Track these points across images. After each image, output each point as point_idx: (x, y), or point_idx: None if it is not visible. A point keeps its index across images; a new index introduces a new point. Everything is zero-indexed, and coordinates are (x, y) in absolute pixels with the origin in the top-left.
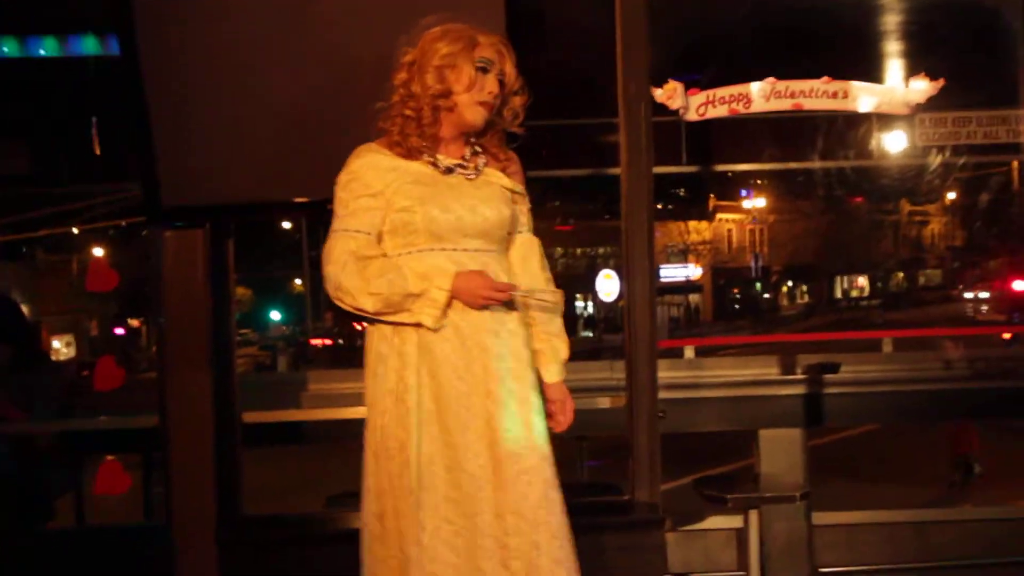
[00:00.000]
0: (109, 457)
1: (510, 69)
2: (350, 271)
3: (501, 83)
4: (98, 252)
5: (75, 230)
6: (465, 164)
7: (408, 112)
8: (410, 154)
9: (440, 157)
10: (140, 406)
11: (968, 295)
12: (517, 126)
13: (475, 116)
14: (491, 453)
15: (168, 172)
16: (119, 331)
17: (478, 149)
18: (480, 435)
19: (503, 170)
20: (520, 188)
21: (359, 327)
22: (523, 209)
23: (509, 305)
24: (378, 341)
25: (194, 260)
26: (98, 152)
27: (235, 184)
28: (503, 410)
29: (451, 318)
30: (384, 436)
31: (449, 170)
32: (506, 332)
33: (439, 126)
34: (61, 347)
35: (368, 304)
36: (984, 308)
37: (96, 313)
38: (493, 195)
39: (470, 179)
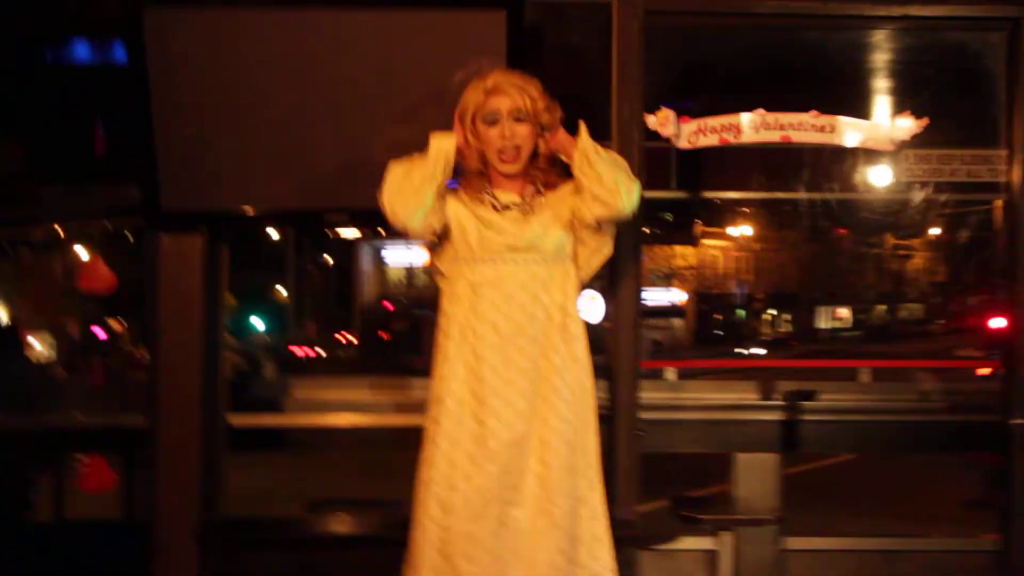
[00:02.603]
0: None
1: (526, 102)
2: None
3: (521, 119)
4: (83, 253)
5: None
6: (521, 202)
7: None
8: (473, 193)
9: (498, 193)
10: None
11: (947, 330)
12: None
13: (498, 165)
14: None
15: (168, 177)
16: (100, 333)
17: (540, 189)
18: (511, 428)
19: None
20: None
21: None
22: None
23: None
24: (438, 334)
25: (190, 264)
26: (100, 153)
27: (233, 191)
28: (532, 409)
29: (490, 318)
30: (432, 419)
31: (506, 207)
32: (546, 335)
33: (486, 169)
34: (41, 347)
35: (392, 187)
36: (962, 343)
37: (77, 314)
38: (545, 220)
39: (524, 213)
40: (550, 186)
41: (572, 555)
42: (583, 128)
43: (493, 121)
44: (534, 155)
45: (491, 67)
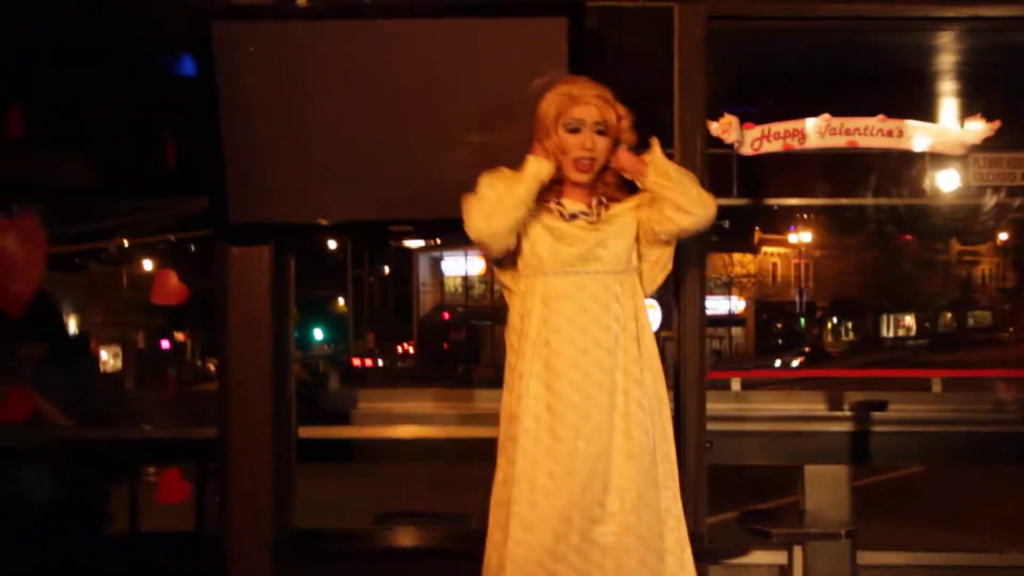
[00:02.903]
0: (167, 467)
1: (612, 116)
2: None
3: (603, 132)
4: (147, 265)
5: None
6: (588, 212)
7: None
8: (539, 201)
9: (565, 202)
10: (188, 417)
11: (1017, 337)
12: (631, 137)
13: (573, 175)
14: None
15: (237, 189)
16: (165, 344)
17: (603, 200)
18: (590, 444)
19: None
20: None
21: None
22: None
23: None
24: (509, 352)
25: (259, 276)
26: (170, 167)
27: (301, 203)
28: (611, 422)
29: (567, 333)
30: (509, 438)
31: (573, 216)
32: (621, 346)
33: (563, 180)
34: (109, 358)
35: (482, 208)
36: None
37: (143, 326)
38: (614, 231)
39: (592, 223)
40: (613, 199)
41: (658, 568)
42: (656, 144)
43: (575, 129)
44: (603, 168)
45: (565, 75)
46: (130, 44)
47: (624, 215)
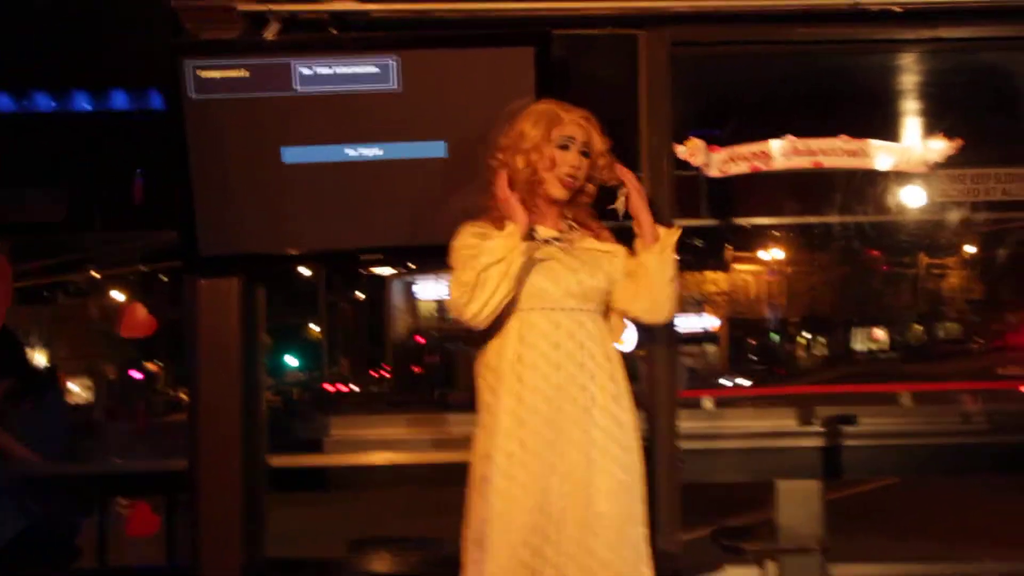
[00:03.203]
0: (137, 500)
1: (595, 139)
2: (454, 291)
3: (586, 154)
4: (117, 295)
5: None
6: (561, 237)
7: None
8: (499, 224)
9: (539, 229)
10: (158, 449)
11: (986, 349)
12: (610, 178)
13: (556, 190)
14: (574, 499)
15: (206, 222)
16: (137, 375)
17: (573, 224)
18: (565, 481)
19: (596, 238)
20: (615, 248)
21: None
22: (617, 266)
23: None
24: (483, 391)
25: (228, 307)
26: (139, 202)
27: (270, 234)
28: (587, 459)
29: (542, 369)
30: (480, 477)
31: (547, 242)
32: (598, 383)
33: (534, 200)
34: (79, 390)
35: (465, 294)
36: (1002, 362)
37: (114, 357)
38: (590, 260)
39: (565, 250)
40: (584, 225)
41: None
42: (678, 232)
43: (564, 146)
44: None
45: (538, 100)
46: (98, 77)
47: (599, 256)
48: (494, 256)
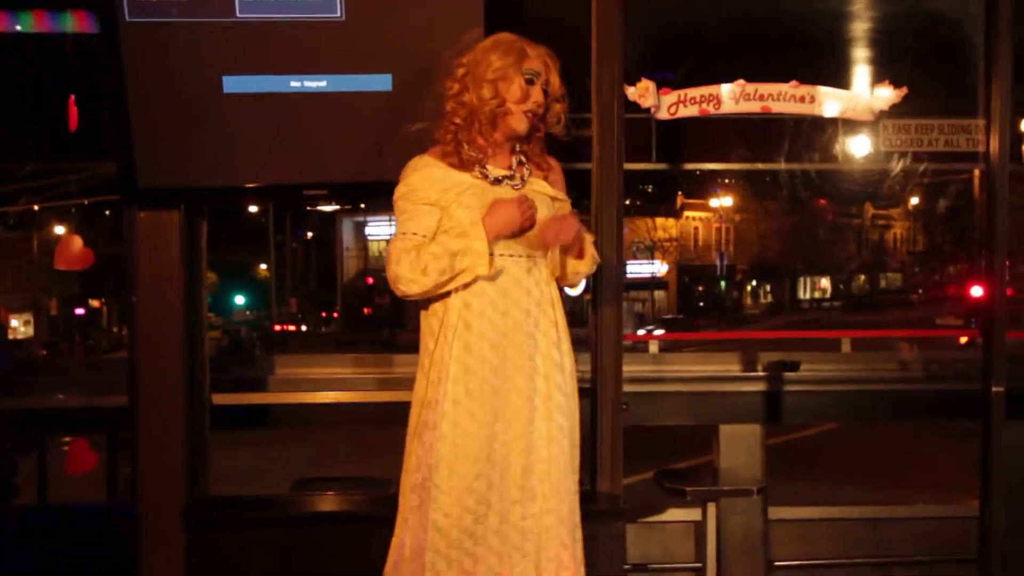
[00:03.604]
0: (76, 437)
1: (555, 79)
2: (405, 262)
3: (546, 92)
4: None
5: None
6: (512, 175)
7: (459, 121)
8: (462, 165)
9: (489, 167)
10: (99, 386)
11: (927, 299)
12: (560, 129)
13: (521, 124)
14: (518, 446)
15: (144, 153)
16: (79, 311)
17: (523, 159)
18: (508, 428)
19: (545, 178)
20: (562, 195)
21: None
22: (564, 214)
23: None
24: (426, 336)
25: (168, 241)
26: (74, 130)
27: (210, 168)
28: (531, 406)
29: (489, 316)
30: (421, 424)
31: (497, 181)
32: (541, 330)
33: (492, 135)
34: (19, 326)
35: (425, 280)
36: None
37: (56, 292)
38: (540, 205)
39: (516, 189)
40: (534, 163)
41: (575, 550)
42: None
43: (531, 80)
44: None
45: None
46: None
47: (550, 203)
48: (470, 275)
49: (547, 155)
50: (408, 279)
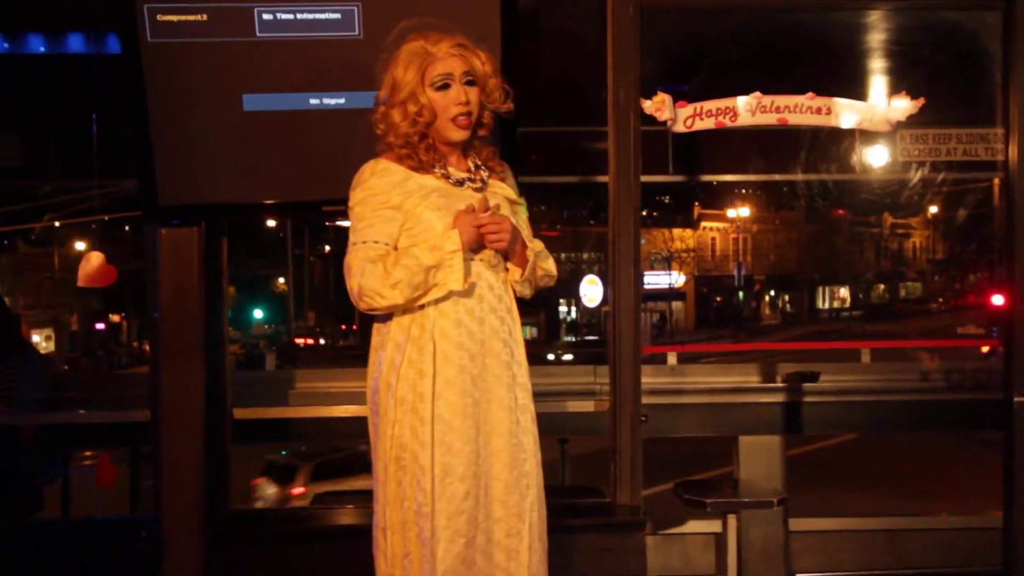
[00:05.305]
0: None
1: (477, 63)
2: (369, 273)
3: (472, 83)
4: (80, 246)
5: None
6: (472, 177)
7: (395, 139)
8: (422, 167)
9: (451, 170)
10: (121, 401)
11: (947, 308)
12: (506, 105)
13: (452, 132)
14: (501, 460)
15: (165, 171)
16: (100, 326)
17: (479, 163)
18: (489, 442)
19: (502, 180)
20: (520, 199)
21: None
22: (522, 218)
23: (509, 310)
24: (395, 331)
25: (189, 257)
26: (95, 148)
27: (230, 185)
28: (513, 418)
29: (466, 325)
30: (398, 447)
31: (459, 183)
32: (515, 338)
33: (436, 144)
34: (40, 341)
35: (396, 294)
36: (962, 321)
37: (77, 308)
38: (504, 208)
39: (478, 190)
40: (488, 167)
41: (546, 564)
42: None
43: (444, 85)
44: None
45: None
46: (56, 22)
47: (511, 206)
48: (442, 291)
49: (499, 158)
50: (374, 292)
